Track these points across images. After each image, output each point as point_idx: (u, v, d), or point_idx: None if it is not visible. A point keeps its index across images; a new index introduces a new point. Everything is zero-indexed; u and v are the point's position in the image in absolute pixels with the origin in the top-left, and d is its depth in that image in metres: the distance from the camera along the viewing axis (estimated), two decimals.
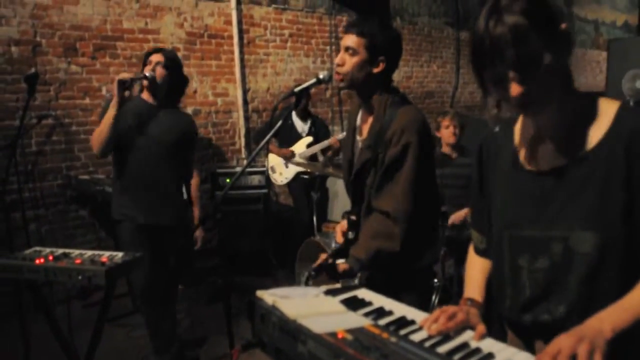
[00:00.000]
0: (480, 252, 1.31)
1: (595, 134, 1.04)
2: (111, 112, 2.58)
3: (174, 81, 2.79)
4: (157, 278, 2.79)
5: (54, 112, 4.00)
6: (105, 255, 2.04)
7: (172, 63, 2.77)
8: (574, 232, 1.03)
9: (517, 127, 1.18)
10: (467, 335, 1.02)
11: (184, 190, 3.00)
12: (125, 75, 2.57)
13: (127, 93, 2.61)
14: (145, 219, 2.75)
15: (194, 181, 3.03)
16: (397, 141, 1.72)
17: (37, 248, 2.19)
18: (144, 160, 2.73)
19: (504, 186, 1.18)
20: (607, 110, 1.05)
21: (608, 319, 0.95)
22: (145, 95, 2.78)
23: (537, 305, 1.11)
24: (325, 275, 1.71)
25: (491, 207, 1.22)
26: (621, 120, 1.02)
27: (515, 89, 0.98)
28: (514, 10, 0.95)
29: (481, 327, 1.04)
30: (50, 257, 2.01)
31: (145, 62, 2.77)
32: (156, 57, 2.73)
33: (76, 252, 2.10)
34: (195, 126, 3.02)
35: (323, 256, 1.74)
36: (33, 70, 3.70)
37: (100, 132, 2.62)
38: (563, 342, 0.89)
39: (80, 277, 1.88)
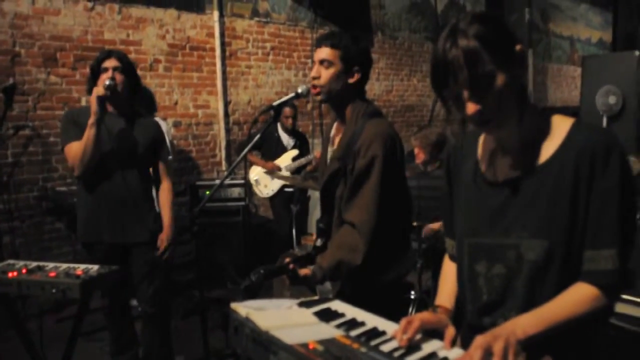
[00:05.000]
0: (453, 259, 1.35)
1: (548, 149, 1.11)
2: (92, 130, 2.44)
3: (134, 86, 2.64)
4: (122, 293, 2.77)
5: (32, 122, 3.96)
6: (80, 268, 2.02)
7: (129, 66, 2.62)
8: (525, 240, 1.09)
9: (481, 139, 1.25)
10: (435, 345, 1.04)
11: (156, 204, 2.89)
12: (101, 90, 2.44)
13: (109, 108, 2.54)
14: (116, 238, 2.64)
15: (164, 188, 2.84)
16: (364, 154, 1.74)
17: (11, 261, 2.15)
18: (113, 175, 2.60)
19: (466, 195, 1.24)
20: (561, 126, 1.11)
21: (521, 324, 1.01)
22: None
23: (494, 310, 1.16)
24: (284, 279, 1.72)
25: (455, 215, 1.28)
26: (572, 137, 1.09)
27: (470, 108, 1.04)
28: (469, 34, 1.01)
29: (450, 330, 1.08)
30: (24, 270, 1.98)
31: (98, 70, 2.56)
32: (111, 62, 2.54)
33: (51, 265, 2.08)
34: (162, 131, 2.88)
35: (287, 259, 1.75)
36: (11, 80, 3.68)
37: (83, 154, 2.47)
38: (479, 340, 0.95)
39: (54, 291, 1.86)
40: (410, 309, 2.96)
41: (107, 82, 2.45)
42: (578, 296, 1.05)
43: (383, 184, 1.74)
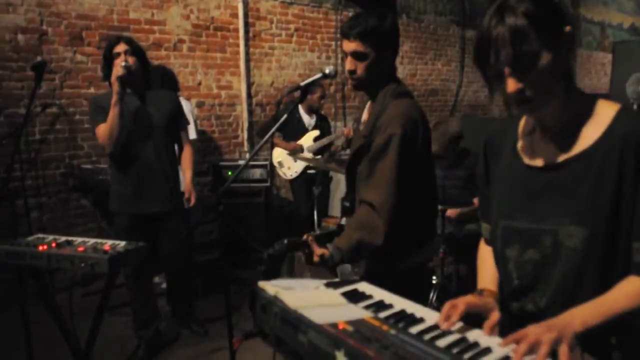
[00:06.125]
0: (489, 243, 1.34)
1: (592, 134, 1.07)
2: (116, 109, 2.64)
3: (145, 64, 2.85)
4: (148, 263, 2.89)
5: (59, 100, 4.01)
6: (107, 243, 2.06)
7: (137, 47, 2.82)
8: (563, 227, 1.06)
9: (522, 122, 1.22)
10: (470, 330, 1.03)
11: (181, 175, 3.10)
12: (120, 71, 2.61)
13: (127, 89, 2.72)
14: (146, 207, 2.85)
15: (186, 150, 3.10)
16: (383, 131, 1.71)
17: (40, 235, 2.20)
18: (139, 150, 2.80)
19: (503, 178, 1.22)
20: (607, 111, 1.08)
21: (580, 314, 0.98)
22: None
23: (524, 295, 1.15)
24: (302, 259, 1.71)
25: (491, 198, 1.26)
26: (618, 124, 1.05)
27: (511, 86, 1.01)
28: (517, 11, 0.99)
29: (495, 315, 1.04)
30: (54, 244, 2.03)
31: (111, 56, 2.76)
32: (122, 47, 2.75)
33: (79, 239, 2.12)
34: (179, 101, 3.11)
35: (306, 235, 1.71)
36: (40, 58, 3.72)
37: (110, 132, 2.68)
38: (531, 329, 0.92)
39: (83, 265, 1.90)
40: (432, 295, 2.95)
41: (123, 64, 2.63)
42: (632, 290, 1.02)
43: (401, 164, 1.69)
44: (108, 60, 2.76)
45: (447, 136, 3.43)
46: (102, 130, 2.72)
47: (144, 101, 2.83)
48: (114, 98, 2.63)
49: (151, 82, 2.95)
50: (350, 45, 1.76)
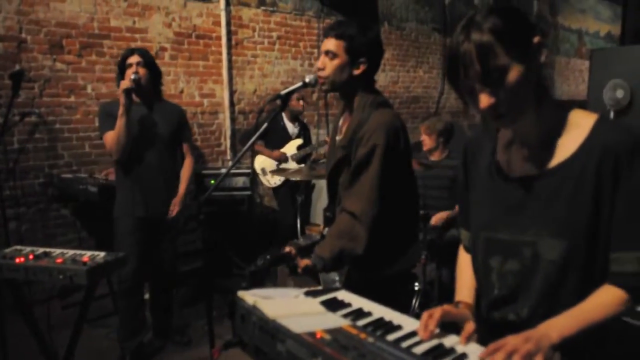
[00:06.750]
0: (468, 250, 1.34)
1: (570, 145, 1.07)
2: (122, 120, 2.75)
3: (156, 76, 2.97)
4: (144, 269, 2.97)
5: (38, 109, 3.95)
6: (86, 254, 2.03)
7: (150, 60, 2.93)
8: (542, 239, 1.07)
9: (500, 133, 1.22)
10: (447, 337, 1.04)
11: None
12: (127, 84, 2.73)
13: (136, 100, 2.86)
14: (148, 212, 2.94)
15: (187, 162, 3.20)
16: (366, 142, 1.73)
17: (18, 247, 2.17)
18: (143, 157, 2.91)
19: (482, 188, 1.22)
20: (584, 122, 1.07)
21: (557, 325, 0.99)
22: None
23: (505, 305, 1.16)
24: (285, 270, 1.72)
25: (471, 206, 1.26)
26: (596, 135, 1.05)
27: (484, 101, 1.01)
28: (483, 27, 0.99)
29: (469, 326, 1.05)
30: (31, 256, 2.00)
31: (124, 67, 2.88)
32: (134, 59, 2.86)
33: (57, 251, 2.09)
34: (184, 114, 3.24)
35: (288, 248, 1.73)
36: (18, 67, 3.68)
37: (118, 141, 2.80)
38: (510, 339, 0.93)
39: (61, 277, 1.88)
40: (414, 301, 2.96)
41: (133, 77, 2.77)
42: (607, 299, 1.03)
43: (384, 174, 1.72)
44: (122, 71, 2.89)
45: (437, 128, 3.51)
46: (110, 138, 2.83)
47: (152, 111, 2.96)
48: (120, 109, 2.74)
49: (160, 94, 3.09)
50: (326, 44, 1.81)
